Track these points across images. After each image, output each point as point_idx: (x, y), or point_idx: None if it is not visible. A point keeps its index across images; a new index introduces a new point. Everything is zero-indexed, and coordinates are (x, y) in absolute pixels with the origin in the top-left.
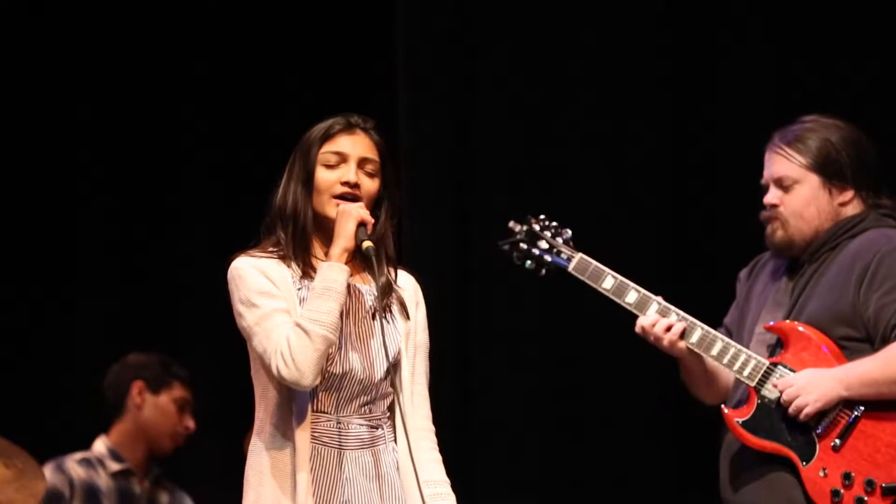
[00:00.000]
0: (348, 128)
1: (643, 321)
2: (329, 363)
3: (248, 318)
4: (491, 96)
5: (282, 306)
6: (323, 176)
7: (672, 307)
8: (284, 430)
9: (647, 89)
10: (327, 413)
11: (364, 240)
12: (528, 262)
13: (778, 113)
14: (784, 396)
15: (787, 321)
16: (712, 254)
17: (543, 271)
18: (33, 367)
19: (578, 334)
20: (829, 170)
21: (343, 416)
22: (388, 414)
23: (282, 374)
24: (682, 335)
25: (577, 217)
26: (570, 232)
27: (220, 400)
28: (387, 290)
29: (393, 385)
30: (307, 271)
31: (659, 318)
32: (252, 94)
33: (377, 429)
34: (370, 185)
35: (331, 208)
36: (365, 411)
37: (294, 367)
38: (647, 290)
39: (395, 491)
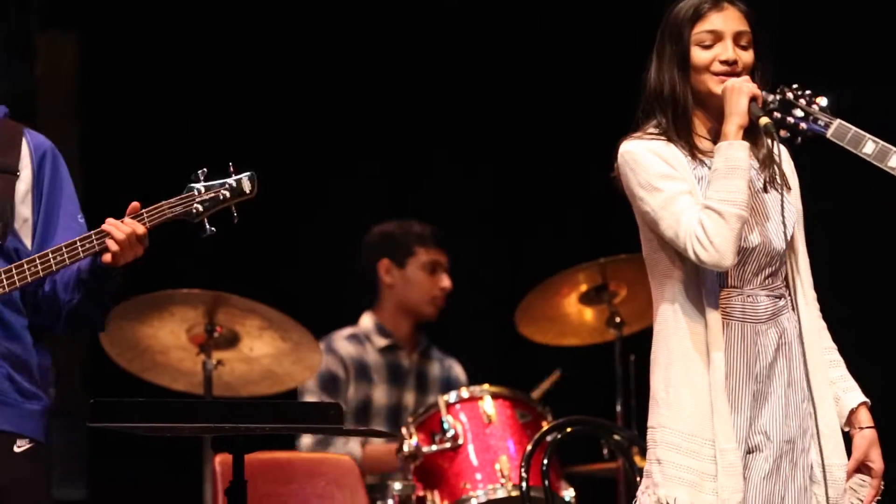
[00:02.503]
0: (716, 4)
1: None
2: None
3: (650, 202)
4: None
5: (684, 188)
6: (700, 56)
7: None
8: (694, 308)
9: None
10: (737, 288)
11: (759, 115)
12: (783, 131)
13: None
14: None
15: None
16: None
17: (798, 139)
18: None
19: None
20: None
21: (751, 290)
22: (785, 284)
23: (700, 258)
24: None
25: None
26: (825, 100)
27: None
28: (771, 161)
29: (791, 254)
30: (694, 152)
31: None
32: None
33: (780, 299)
34: (747, 58)
35: (713, 84)
36: (768, 283)
37: (713, 249)
38: None
39: (798, 359)
